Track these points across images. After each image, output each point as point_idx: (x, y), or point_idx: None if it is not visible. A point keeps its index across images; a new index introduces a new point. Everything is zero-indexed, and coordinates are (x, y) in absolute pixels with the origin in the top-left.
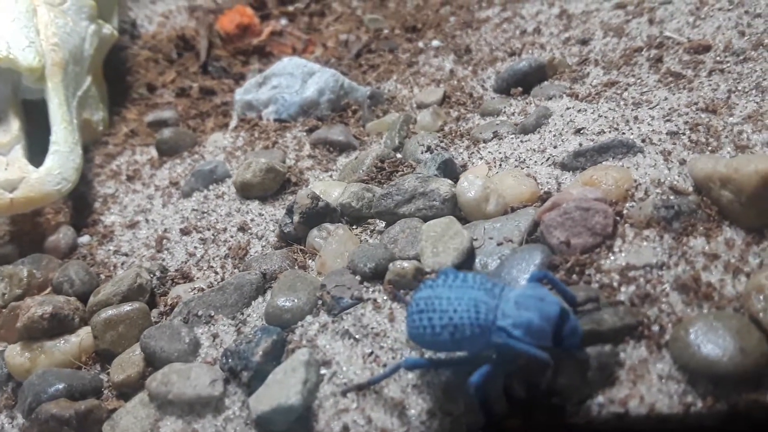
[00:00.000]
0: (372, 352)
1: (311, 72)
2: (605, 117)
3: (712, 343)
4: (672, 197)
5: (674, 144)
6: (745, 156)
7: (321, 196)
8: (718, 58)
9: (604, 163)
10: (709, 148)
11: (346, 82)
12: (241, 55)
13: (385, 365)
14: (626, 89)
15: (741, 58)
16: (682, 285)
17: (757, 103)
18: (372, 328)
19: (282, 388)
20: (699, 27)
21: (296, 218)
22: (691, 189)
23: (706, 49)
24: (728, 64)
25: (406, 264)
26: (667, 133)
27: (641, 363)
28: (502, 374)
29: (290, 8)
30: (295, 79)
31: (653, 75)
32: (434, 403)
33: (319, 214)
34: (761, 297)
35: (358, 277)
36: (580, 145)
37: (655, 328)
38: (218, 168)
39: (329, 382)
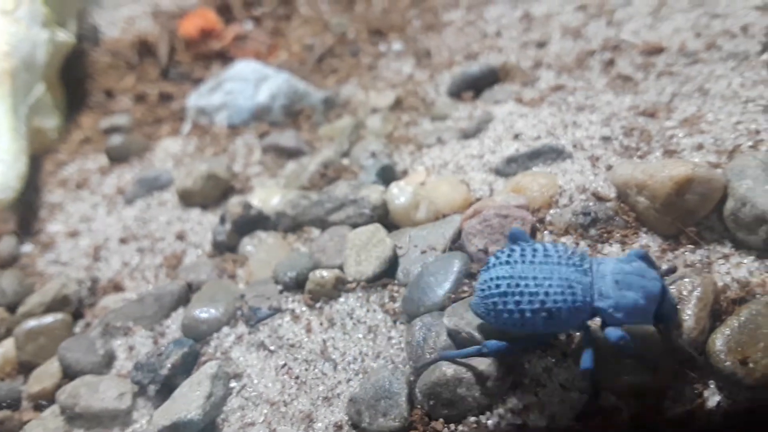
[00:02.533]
0: (285, 364)
1: (265, 77)
2: (544, 122)
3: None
4: (592, 204)
5: (605, 149)
6: (660, 162)
7: (260, 203)
8: (669, 61)
9: (534, 169)
10: (639, 153)
11: (301, 86)
12: (202, 60)
13: (297, 377)
14: (573, 93)
15: (691, 60)
16: None
17: (697, 106)
18: (288, 340)
19: (185, 402)
20: (656, 29)
21: (228, 227)
22: (612, 195)
23: (659, 51)
24: (678, 67)
25: (325, 273)
26: (600, 138)
27: (544, 372)
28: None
29: (256, 12)
30: (248, 84)
31: (603, 78)
32: (342, 416)
33: (252, 223)
34: None
35: (279, 287)
36: (517, 150)
37: (562, 336)
38: (162, 175)
39: (238, 395)
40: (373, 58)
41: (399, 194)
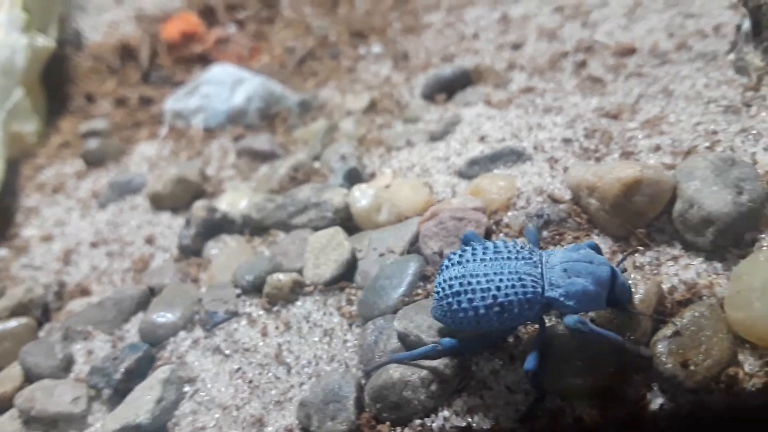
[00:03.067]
0: (240, 368)
1: (240, 80)
2: (510, 124)
3: (559, 356)
4: (546, 206)
5: (565, 151)
6: (610, 164)
7: (229, 207)
8: (640, 62)
9: (495, 171)
10: (597, 155)
11: (277, 89)
12: (184, 64)
13: (251, 382)
14: (542, 95)
15: (661, 61)
16: None
17: (661, 107)
18: (243, 344)
19: (135, 406)
20: (630, 29)
21: (192, 230)
22: (567, 198)
23: (631, 52)
24: (647, 68)
25: (282, 277)
26: (561, 140)
27: (491, 375)
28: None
29: (240, 15)
30: (224, 87)
31: (573, 80)
32: (293, 420)
33: (216, 226)
34: None
35: (237, 291)
36: (480, 152)
37: (510, 339)
38: (135, 179)
39: (191, 399)
40: (352, 60)
41: (361, 197)
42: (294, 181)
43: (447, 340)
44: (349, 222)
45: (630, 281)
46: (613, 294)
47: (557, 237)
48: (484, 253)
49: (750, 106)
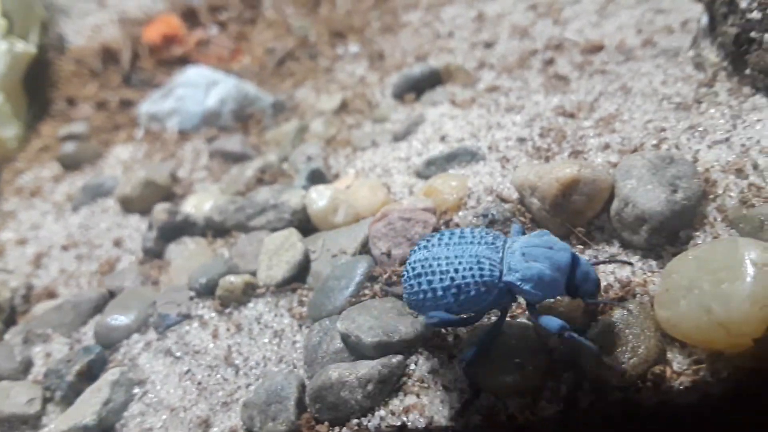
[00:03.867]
0: (189, 370)
1: (214, 82)
2: (471, 124)
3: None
4: (492, 206)
5: (519, 151)
6: (551, 163)
7: (194, 209)
8: (606, 59)
9: (450, 171)
10: (549, 154)
11: (251, 91)
12: (165, 66)
13: (199, 383)
14: (507, 94)
15: (626, 57)
16: None
17: (618, 105)
18: (194, 346)
19: (83, 408)
20: (601, 26)
21: (154, 233)
22: (515, 197)
23: (599, 49)
24: (612, 65)
25: (234, 279)
26: (516, 140)
27: (430, 374)
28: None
29: (222, 17)
30: (198, 89)
31: (539, 78)
32: (238, 420)
33: (177, 229)
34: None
35: (192, 293)
36: (440, 152)
37: (450, 338)
38: (106, 182)
39: (140, 401)
40: (330, 60)
41: (318, 198)
42: (260, 183)
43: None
44: (307, 223)
45: None
46: (573, 281)
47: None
48: (449, 238)
49: (701, 102)
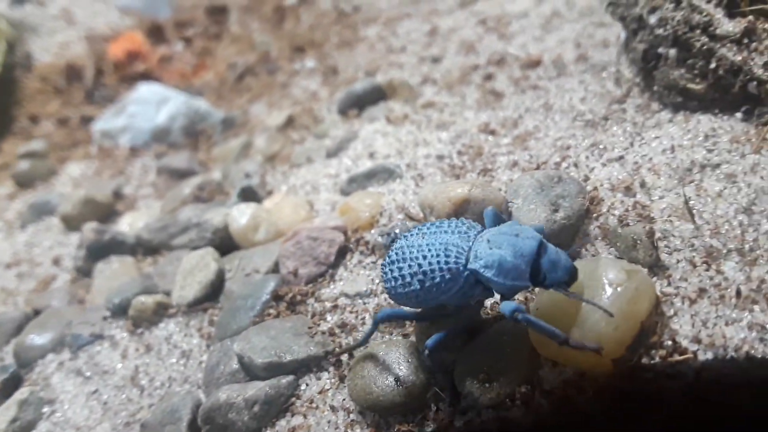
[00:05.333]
0: (97, 390)
1: (165, 99)
2: (400, 141)
3: (377, 373)
4: (397, 224)
5: (436, 168)
6: (446, 183)
7: (128, 227)
8: (541, 74)
9: (369, 188)
10: (462, 171)
11: (202, 107)
12: (128, 82)
13: (105, 403)
14: (442, 110)
15: (558, 73)
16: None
17: (539, 121)
18: (103, 366)
19: None
20: (543, 40)
21: (82, 252)
22: (421, 215)
23: (537, 64)
24: (545, 80)
25: (144, 299)
26: (435, 157)
27: (320, 395)
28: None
29: (188, 32)
30: (149, 106)
31: (476, 94)
32: None
33: (105, 248)
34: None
35: (107, 313)
36: (362, 170)
37: (344, 357)
38: (52, 200)
39: (48, 420)
40: (288, 75)
41: (239, 217)
42: (198, 200)
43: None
44: (230, 242)
45: None
46: (538, 269)
47: None
48: (428, 228)
49: (607, 119)
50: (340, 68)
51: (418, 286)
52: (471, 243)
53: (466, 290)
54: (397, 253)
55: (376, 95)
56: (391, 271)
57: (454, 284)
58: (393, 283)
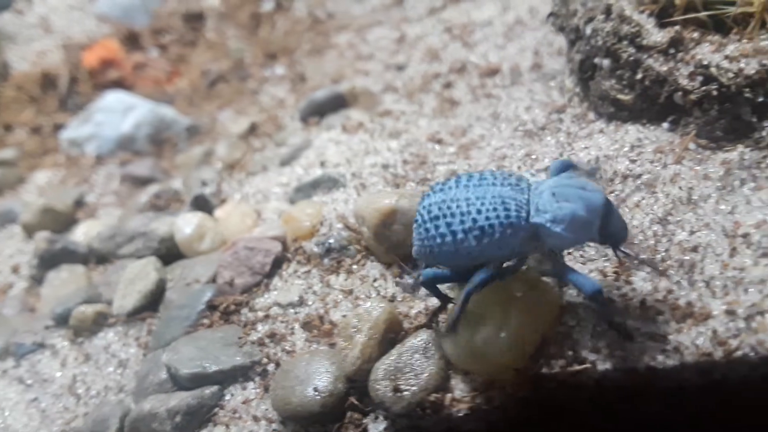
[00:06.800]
0: (36, 398)
1: (131, 107)
2: (351, 149)
3: (297, 383)
4: (333, 233)
5: (379, 178)
6: (376, 193)
7: (83, 236)
8: (497, 82)
9: (314, 198)
10: (403, 180)
11: (168, 114)
12: (102, 89)
13: (44, 411)
14: (398, 118)
15: (512, 81)
16: (306, 323)
17: (486, 130)
18: (43, 374)
19: None
20: (504, 48)
21: (35, 261)
22: (357, 225)
23: (495, 72)
24: (499, 89)
25: (84, 308)
26: (381, 166)
27: (244, 404)
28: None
29: (164, 39)
30: (115, 114)
31: (433, 102)
32: None
33: (57, 257)
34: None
35: (51, 322)
36: (308, 179)
37: (271, 367)
38: (15, 208)
39: None
40: (258, 82)
41: (184, 226)
42: (155, 208)
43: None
44: (176, 251)
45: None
46: (608, 227)
47: (336, 264)
48: (468, 181)
49: (544, 129)
50: (308, 75)
51: (474, 243)
52: (527, 195)
53: (521, 246)
54: (440, 208)
55: (337, 103)
56: (436, 227)
57: (513, 240)
58: (439, 240)
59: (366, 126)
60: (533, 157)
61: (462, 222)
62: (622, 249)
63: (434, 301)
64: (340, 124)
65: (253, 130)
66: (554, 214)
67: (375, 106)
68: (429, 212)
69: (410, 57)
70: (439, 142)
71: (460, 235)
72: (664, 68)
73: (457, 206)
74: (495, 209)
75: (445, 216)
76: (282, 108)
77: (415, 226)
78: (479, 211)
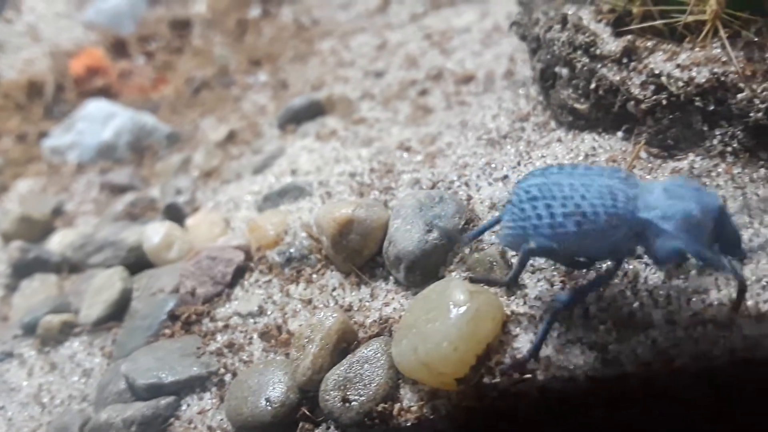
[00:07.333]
0: (3, 406)
1: (112, 115)
2: (323, 157)
3: (250, 393)
4: (295, 243)
5: (345, 186)
6: (334, 203)
7: (58, 245)
8: (472, 89)
9: (281, 206)
10: (368, 189)
11: (149, 122)
12: (87, 97)
13: (10, 419)
14: (372, 126)
15: (484, 89)
16: (264, 333)
17: (454, 138)
18: (10, 383)
19: None
20: (481, 55)
21: (8, 270)
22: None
23: (470, 79)
24: (471, 96)
25: (50, 318)
26: (348, 175)
27: (199, 415)
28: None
29: (151, 47)
30: (96, 122)
31: (408, 110)
32: None
33: (30, 265)
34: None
35: (19, 331)
36: (275, 188)
37: (228, 377)
38: None
39: None
40: (242, 89)
41: (152, 235)
42: (130, 217)
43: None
44: (144, 260)
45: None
46: (722, 235)
47: (296, 274)
48: (573, 169)
49: (506, 137)
50: (290, 82)
51: (574, 228)
52: (636, 190)
53: (620, 244)
54: (540, 189)
55: (314, 110)
56: (534, 207)
57: (615, 234)
58: (536, 221)
59: (339, 134)
60: (492, 165)
61: (563, 206)
62: (733, 264)
63: (388, 311)
64: (315, 132)
65: (231, 137)
66: (665, 210)
67: (351, 114)
68: (527, 192)
69: (390, 64)
70: (408, 150)
71: (559, 218)
72: (618, 77)
73: (560, 189)
74: (601, 197)
75: (545, 197)
76: (263, 115)
77: (508, 207)
78: (583, 197)
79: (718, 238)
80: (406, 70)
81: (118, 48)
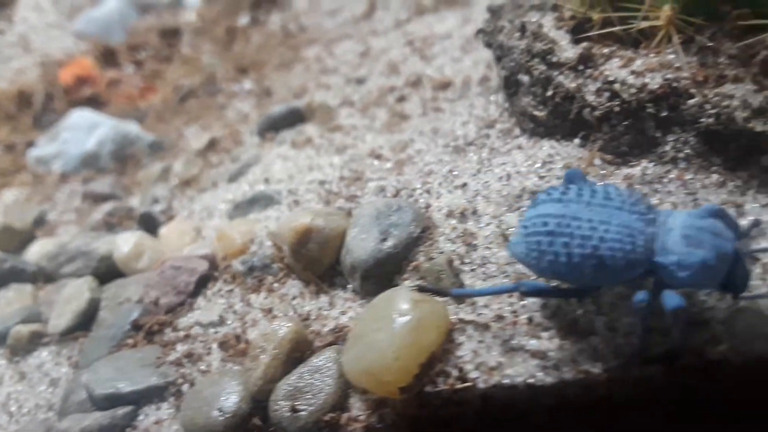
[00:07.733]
0: None
1: (95, 124)
2: (297, 165)
3: (204, 403)
4: (262, 251)
5: (314, 194)
6: (295, 212)
7: (36, 255)
8: (448, 96)
9: (251, 215)
10: (335, 197)
11: (132, 131)
12: (76, 106)
13: None
14: (348, 133)
15: (460, 95)
16: (223, 343)
17: (424, 145)
18: None
19: None
20: (461, 61)
21: None
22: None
23: (447, 86)
24: (445, 102)
25: (20, 328)
26: (318, 183)
27: (156, 425)
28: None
29: (140, 55)
30: (80, 132)
31: (385, 116)
32: None
33: (6, 275)
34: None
35: None
36: (245, 197)
37: (186, 387)
38: None
39: None
40: (227, 98)
41: (122, 245)
42: (107, 226)
43: (530, 282)
44: (115, 270)
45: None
46: (733, 276)
47: (258, 283)
48: (592, 196)
49: (471, 144)
50: (274, 90)
51: (589, 271)
52: (655, 229)
53: (631, 279)
54: (559, 224)
55: (293, 118)
56: (551, 244)
57: (629, 274)
58: (552, 258)
59: (314, 141)
60: (455, 173)
61: (581, 246)
62: (739, 297)
63: (344, 320)
64: (290, 140)
65: (212, 145)
66: (682, 258)
67: (330, 121)
68: (545, 224)
69: (372, 70)
70: (379, 157)
71: (576, 260)
72: (573, 85)
73: (579, 227)
74: (620, 240)
75: (563, 234)
76: (245, 123)
77: (524, 232)
78: (602, 239)
79: (728, 279)
80: (386, 77)
81: (108, 57)
